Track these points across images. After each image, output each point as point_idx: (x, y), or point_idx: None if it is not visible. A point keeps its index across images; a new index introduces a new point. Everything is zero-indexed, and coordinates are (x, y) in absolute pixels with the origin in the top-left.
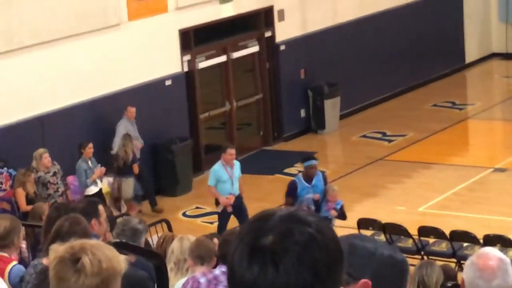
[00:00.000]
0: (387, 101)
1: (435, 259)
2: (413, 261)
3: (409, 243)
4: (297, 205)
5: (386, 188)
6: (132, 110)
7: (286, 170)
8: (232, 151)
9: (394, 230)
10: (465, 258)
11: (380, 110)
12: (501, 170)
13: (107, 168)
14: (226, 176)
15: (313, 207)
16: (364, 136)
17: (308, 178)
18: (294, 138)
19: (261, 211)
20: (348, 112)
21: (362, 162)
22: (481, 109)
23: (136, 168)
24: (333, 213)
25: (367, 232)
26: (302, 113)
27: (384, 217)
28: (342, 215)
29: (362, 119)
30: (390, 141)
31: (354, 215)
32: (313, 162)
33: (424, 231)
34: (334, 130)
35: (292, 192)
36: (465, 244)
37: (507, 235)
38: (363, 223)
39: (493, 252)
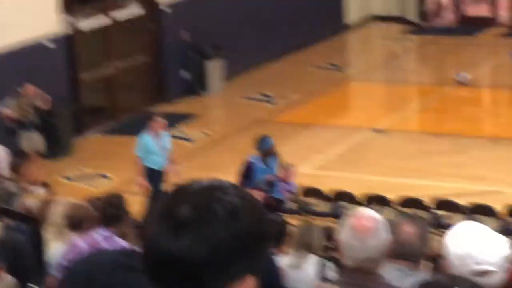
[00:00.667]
0: (271, 63)
1: (316, 219)
2: (295, 222)
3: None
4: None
5: None
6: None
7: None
8: (160, 119)
9: None
10: (341, 217)
11: (263, 73)
12: (380, 131)
13: None
14: (154, 147)
15: (266, 189)
16: (248, 98)
17: (266, 159)
18: (177, 100)
19: (182, 183)
20: (232, 74)
21: (245, 124)
22: (361, 71)
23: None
24: (287, 195)
25: None
26: (186, 75)
27: None
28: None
29: (245, 82)
30: (273, 103)
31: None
32: (272, 141)
33: (307, 191)
34: (218, 92)
35: (247, 173)
36: (347, 204)
37: (386, 195)
38: None
39: (368, 212)
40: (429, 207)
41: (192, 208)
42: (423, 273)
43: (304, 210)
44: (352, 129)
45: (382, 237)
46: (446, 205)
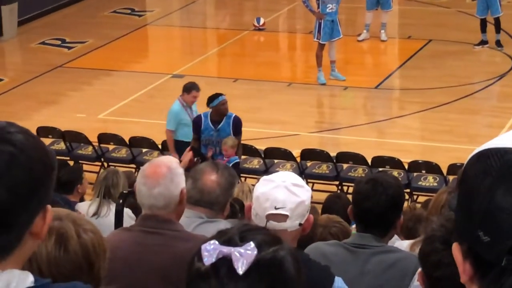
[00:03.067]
0: (66, 7)
1: (115, 165)
2: (94, 168)
3: (89, 150)
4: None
5: (66, 96)
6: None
7: None
8: (197, 94)
9: (74, 138)
10: (141, 163)
11: (59, 17)
12: (179, 76)
13: None
14: (188, 118)
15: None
16: (43, 43)
17: (217, 119)
18: None
19: None
20: (26, 18)
21: (41, 69)
22: (159, 16)
23: None
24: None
25: (46, 141)
26: None
27: (64, 125)
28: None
29: (41, 26)
30: (69, 48)
31: (33, 123)
32: (222, 98)
33: (104, 138)
34: (12, 37)
35: (195, 128)
36: (144, 150)
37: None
38: (42, 131)
39: (164, 160)
40: None
41: None
42: (225, 222)
43: (103, 157)
44: (151, 74)
45: (172, 187)
46: (244, 149)
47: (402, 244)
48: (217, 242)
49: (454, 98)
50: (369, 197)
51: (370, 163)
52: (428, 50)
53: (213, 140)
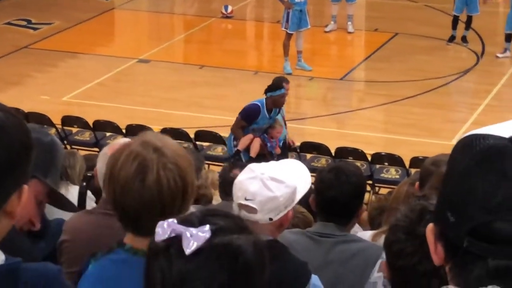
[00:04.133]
0: None
1: (78, 149)
2: None
3: (52, 132)
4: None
5: (31, 77)
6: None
7: None
8: (287, 86)
9: (38, 120)
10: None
11: None
12: (145, 61)
13: None
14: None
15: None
16: (9, 23)
17: (272, 108)
18: None
19: None
20: None
21: (6, 50)
22: (127, 0)
23: None
24: (278, 151)
25: None
26: None
27: (27, 107)
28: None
29: (7, 6)
30: (35, 29)
31: None
32: (284, 90)
33: (68, 120)
34: None
35: (250, 119)
36: (108, 134)
37: (149, 125)
38: None
39: (123, 142)
40: (191, 138)
41: None
42: (190, 209)
43: (66, 140)
44: (117, 58)
45: None
46: (207, 136)
47: (365, 234)
48: (175, 221)
49: (419, 92)
50: (333, 186)
51: (333, 154)
52: (394, 43)
53: (262, 128)
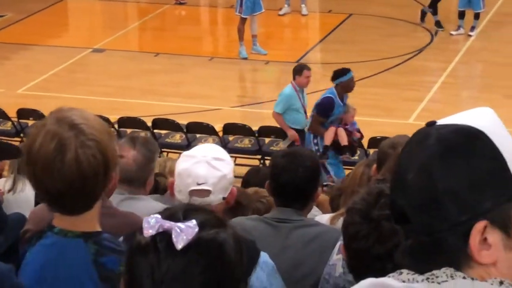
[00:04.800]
0: None
1: None
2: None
3: (8, 125)
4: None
5: None
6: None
7: None
8: (309, 73)
9: None
10: None
11: None
12: (100, 50)
13: None
14: (299, 103)
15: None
16: None
17: (343, 94)
18: None
19: None
20: None
21: None
22: None
23: None
24: (358, 135)
25: None
26: None
27: None
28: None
29: None
30: None
31: None
32: (352, 73)
33: (24, 113)
34: None
35: (327, 112)
36: None
37: (108, 115)
38: None
39: None
40: (149, 127)
41: None
42: (147, 198)
43: (23, 132)
44: (71, 49)
45: None
46: (166, 124)
47: (322, 217)
48: (159, 217)
49: (375, 72)
50: (286, 170)
51: None
52: (348, 24)
53: (339, 117)
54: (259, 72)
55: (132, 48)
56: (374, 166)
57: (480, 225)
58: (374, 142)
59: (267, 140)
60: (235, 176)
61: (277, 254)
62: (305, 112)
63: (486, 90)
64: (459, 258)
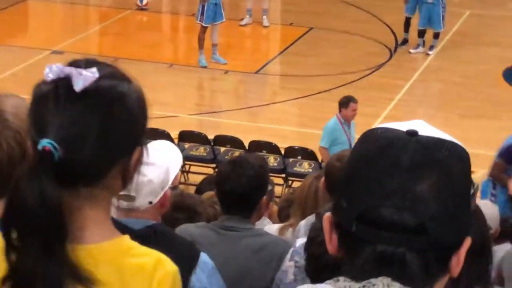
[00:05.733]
0: None
1: None
2: None
3: None
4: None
5: None
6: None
7: None
8: (355, 106)
9: None
10: None
11: None
12: (59, 52)
13: None
14: (344, 137)
15: None
16: None
17: None
18: None
19: None
20: None
21: None
22: None
23: None
24: None
25: None
26: None
27: None
28: None
29: None
30: None
31: None
32: None
33: None
34: None
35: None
36: None
37: None
38: None
39: None
40: None
41: None
42: None
43: None
44: (30, 50)
45: None
46: None
47: (271, 228)
48: (62, 65)
49: (333, 86)
50: (229, 178)
51: (247, 147)
52: (309, 37)
53: None
54: (218, 81)
55: (91, 52)
56: (323, 178)
57: (468, 240)
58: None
59: (222, 149)
60: (189, 184)
61: (224, 262)
62: (351, 146)
63: (442, 109)
64: (418, 276)
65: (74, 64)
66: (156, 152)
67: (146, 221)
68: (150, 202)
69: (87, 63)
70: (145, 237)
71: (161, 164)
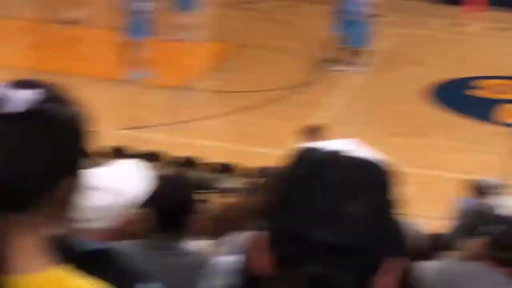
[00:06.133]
0: None
1: None
2: None
3: None
4: None
5: None
6: None
7: None
8: None
9: None
10: None
11: None
12: None
13: None
14: None
15: None
16: None
17: None
18: None
19: None
20: None
21: None
22: None
23: None
24: None
25: None
26: None
27: None
28: None
29: None
30: None
31: None
32: None
33: None
34: None
35: None
36: None
37: None
38: None
39: None
40: None
41: None
42: None
43: None
44: None
45: None
46: None
47: (200, 244)
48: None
49: (260, 103)
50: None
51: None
52: (240, 54)
53: None
54: (147, 96)
55: (18, 65)
56: (255, 196)
57: (399, 261)
58: (257, 172)
59: None
60: None
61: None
62: None
63: (372, 127)
64: None
65: (6, 85)
66: (109, 175)
67: (100, 243)
68: (105, 225)
69: (21, 84)
70: (89, 260)
71: (114, 189)
